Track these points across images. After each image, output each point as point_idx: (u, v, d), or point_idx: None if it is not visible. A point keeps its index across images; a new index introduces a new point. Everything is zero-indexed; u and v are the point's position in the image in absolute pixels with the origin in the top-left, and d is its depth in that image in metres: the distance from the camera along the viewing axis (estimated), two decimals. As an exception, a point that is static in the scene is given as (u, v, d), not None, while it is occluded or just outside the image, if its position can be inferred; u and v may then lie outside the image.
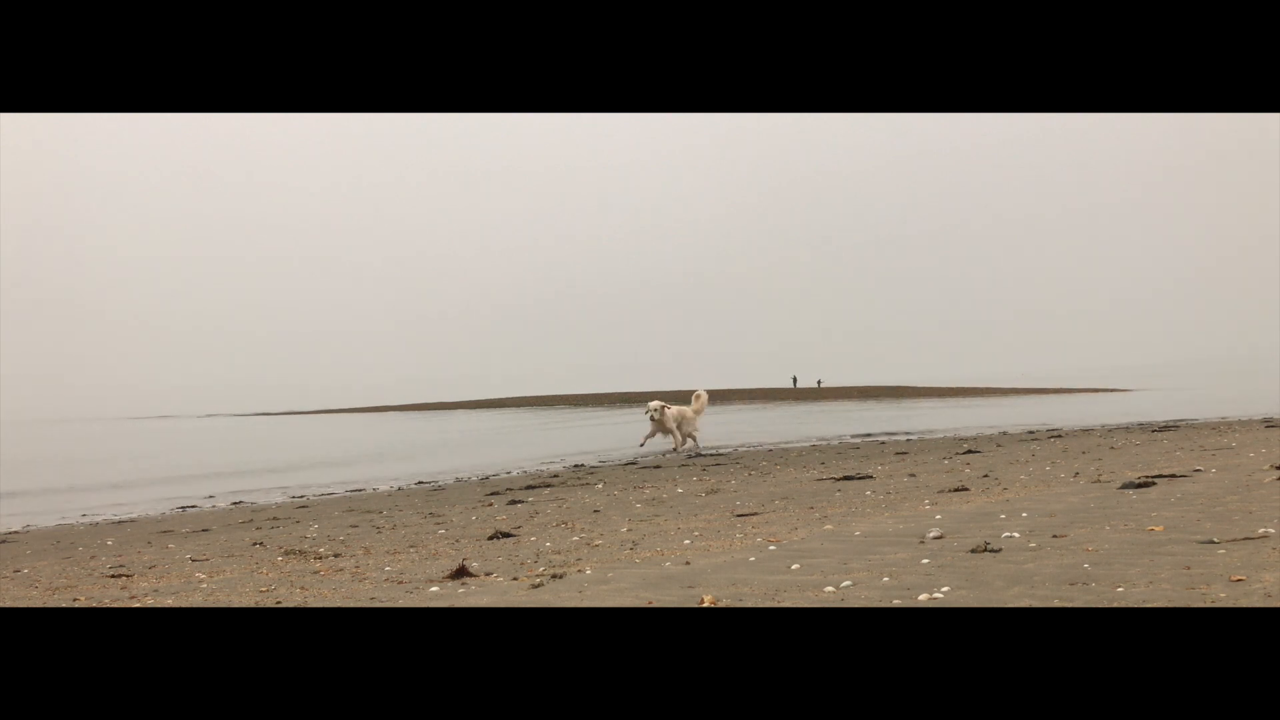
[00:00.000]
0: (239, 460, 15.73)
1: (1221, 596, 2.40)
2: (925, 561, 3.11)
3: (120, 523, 7.85)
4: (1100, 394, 34.59)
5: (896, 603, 2.59)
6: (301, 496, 9.59)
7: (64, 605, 3.39)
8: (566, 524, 5.21)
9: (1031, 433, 12.47)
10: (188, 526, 6.82)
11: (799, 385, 52.87)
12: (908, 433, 15.23)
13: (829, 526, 4.16)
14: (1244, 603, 2.32)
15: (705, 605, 2.64)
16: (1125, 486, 4.59)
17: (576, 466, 11.28)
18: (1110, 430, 11.42)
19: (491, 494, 7.78)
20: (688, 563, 3.42)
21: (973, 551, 3.20)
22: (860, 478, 6.53)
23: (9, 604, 3.53)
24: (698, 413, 13.52)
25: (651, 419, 13.21)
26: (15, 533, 7.32)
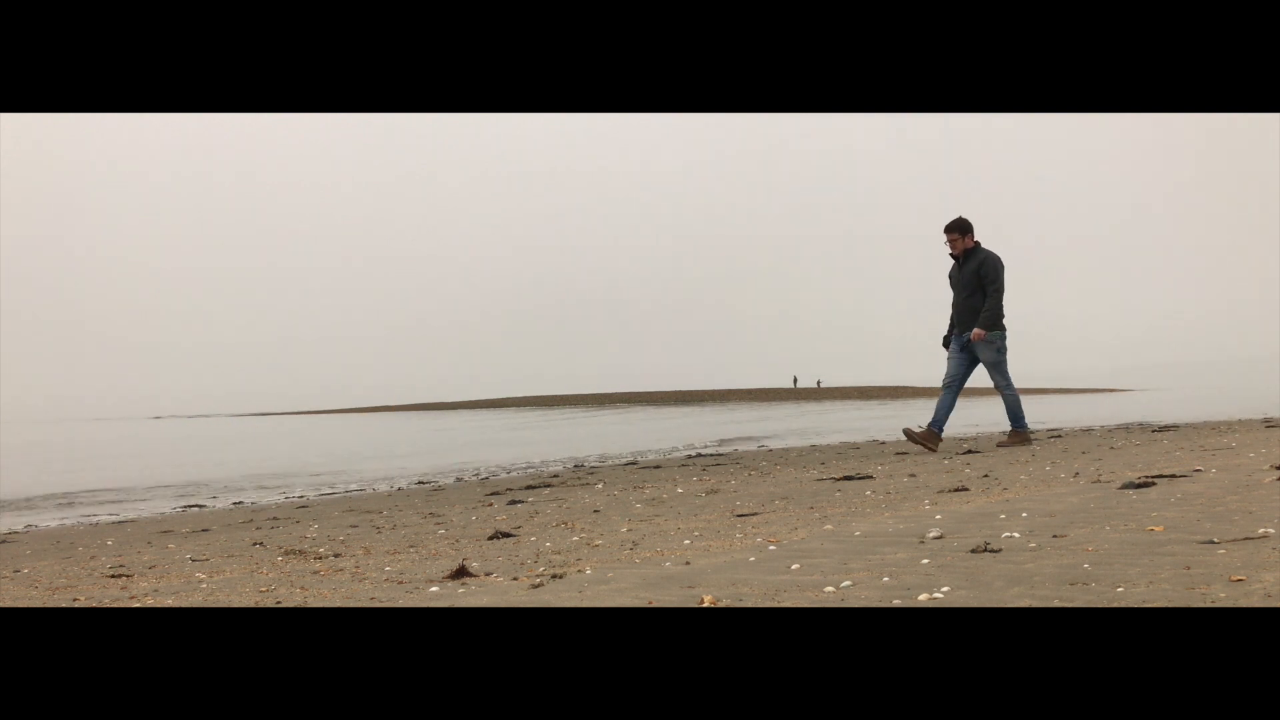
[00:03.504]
0: (239, 460, 15.73)
1: (1221, 596, 2.40)
2: (925, 561, 3.11)
3: (120, 523, 7.84)
4: (1100, 394, 34.56)
5: (896, 603, 2.59)
6: (301, 496, 9.59)
7: (64, 605, 3.38)
8: (566, 524, 5.21)
9: (1032, 433, 12.45)
10: (188, 526, 6.82)
11: (799, 385, 52.85)
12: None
13: (829, 526, 4.16)
14: (1244, 603, 2.31)
15: (705, 605, 2.64)
16: (1125, 486, 4.58)
17: (576, 466, 11.28)
18: (1110, 430, 11.41)
19: (491, 494, 7.77)
20: (688, 563, 3.42)
21: (973, 551, 3.20)
22: (860, 478, 6.52)
23: (9, 604, 3.53)
24: None
25: None
26: (15, 533, 7.32)
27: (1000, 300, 8.41)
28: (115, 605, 3.37)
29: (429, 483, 10.24)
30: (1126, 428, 11.90)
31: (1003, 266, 8.46)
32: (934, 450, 8.53)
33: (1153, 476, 4.86)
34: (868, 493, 5.58)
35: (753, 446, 14.04)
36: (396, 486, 10.05)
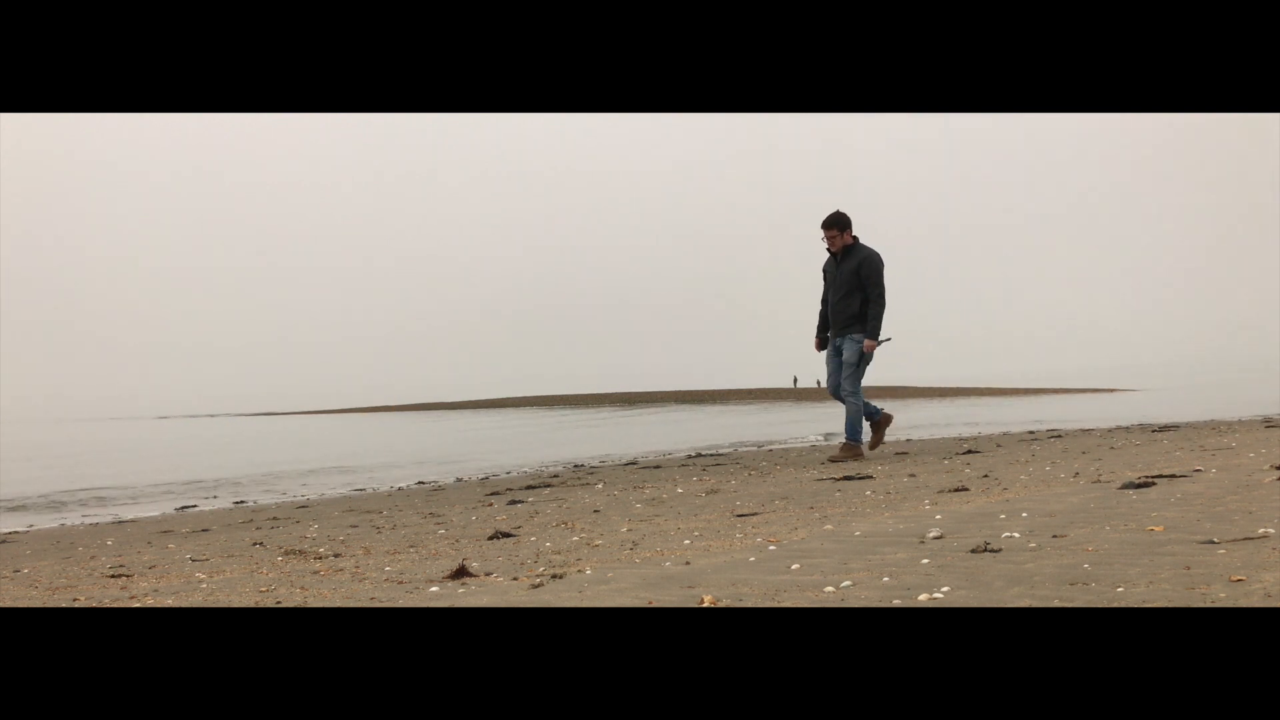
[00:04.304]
0: (239, 460, 15.74)
1: (1221, 596, 2.40)
2: (925, 561, 3.11)
3: (120, 523, 7.84)
4: (1100, 394, 34.60)
5: (896, 603, 2.59)
6: (302, 496, 9.59)
7: (64, 605, 3.38)
8: (566, 524, 5.21)
9: (1031, 433, 12.47)
10: (188, 526, 6.82)
11: (799, 385, 52.87)
12: (908, 433, 15.24)
13: (829, 526, 4.16)
14: (1244, 603, 2.32)
15: (705, 605, 2.64)
16: (1125, 486, 4.58)
17: (576, 466, 11.28)
18: (1110, 430, 11.41)
19: (491, 494, 7.77)
20: (688, 563, 3.42)
21: (973, 551, 3.20)
22: (860, 478, 6.52)
23: (9, 604, 3.53)
24: None
25: None
26: (15, 533, 7.32)
27: (883, 307, 8.03)
28: (115, 605, 3.37)
29: (429, 483, 10.24)
30: (1126, 428, 11.91)
31: (883, 266, 8.07)
32: (862, 457, 8.17)
33: (1153, 476, 4.86)
34: (868, 493, 5.59)
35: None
36: (396, 486, 10.05)
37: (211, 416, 41.91)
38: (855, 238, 8.16)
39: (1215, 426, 10.29)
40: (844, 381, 8.15)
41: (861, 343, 8.06)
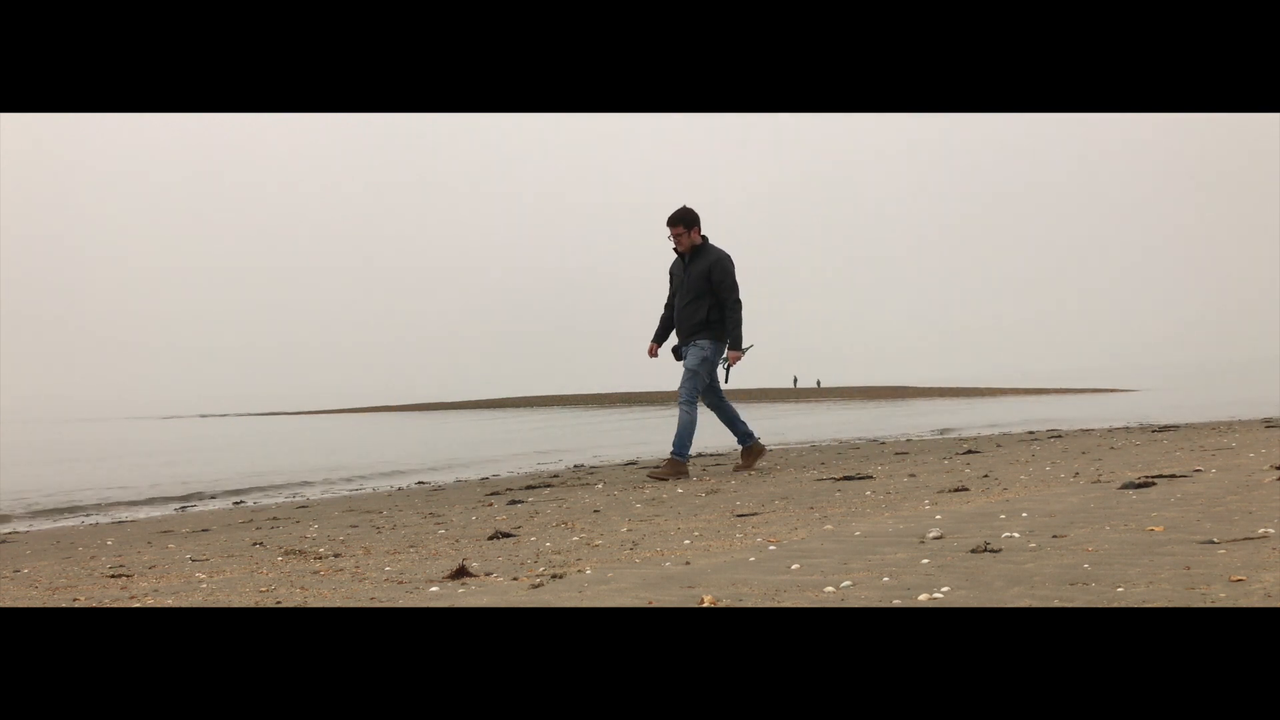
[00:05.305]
0: (239, 460, 15.74)
1: (1221, 596, 2.40)
2: (925, 561, 3.11)
3: (120, 523, 7.85)
4: (1100, 394, 34.61)
5: (896, 603, 2.59)
6: (302, 496, 9.60)
7: (64, 605, 3.38)
8: (566, 524, 5.21)
9: (1031, 433, 12.47)
10: (188, 526, 6.82)
11: (799, 385, 52.83)
12: (908, 433, 15.24)
13: (829, 526, 4.16)
14: (1244, 603, 2.32)
15: (705, 605, 2.64)
16: (1125, 486, 4.58)
17: (576, 466, 11.28)
18: (1110, 430, 11.42)
19: (491, 494, 7.77)
20: (688, 563, 3.42)
21: (973, 551, 3.20)
22: (860, 478, 6.52)
23: (9, 604, 3.53)
24: None
25: None
26: (15, 533, 7.32)
27: (740, 313, 7.50)
28: (115, 605, 3.37)
29: (429, 483, 10.24)
30: (1127, 428, 11.91)
31: (734, 268, 7.51)
32: (750, 467, 7.87)
33: (1153, 476, 4.86)
34: (868, 493, 5.59)
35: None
36: (396, 486, 10.05)
37: (222, 416, 41.92)
38: (704, 237, 7.61)
39: (1215, 427, 10.29)
40: (681, 389, 7.60)
41: (705, 349, 7.53)
